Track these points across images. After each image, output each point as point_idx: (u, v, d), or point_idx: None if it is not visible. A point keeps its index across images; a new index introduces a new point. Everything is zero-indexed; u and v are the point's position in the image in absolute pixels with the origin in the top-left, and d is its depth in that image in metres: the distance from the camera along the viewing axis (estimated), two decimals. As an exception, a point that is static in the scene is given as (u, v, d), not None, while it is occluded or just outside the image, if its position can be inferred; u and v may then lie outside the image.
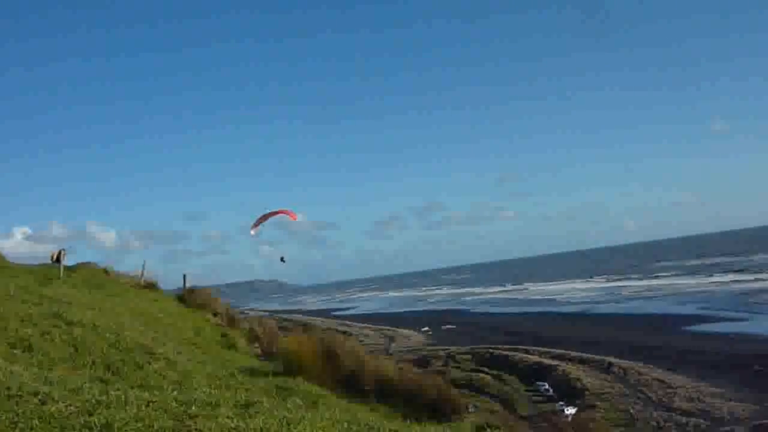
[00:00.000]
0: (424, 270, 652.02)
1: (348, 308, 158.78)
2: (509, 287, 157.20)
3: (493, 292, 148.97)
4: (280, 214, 22.75)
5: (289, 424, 6.09)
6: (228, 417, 6.20)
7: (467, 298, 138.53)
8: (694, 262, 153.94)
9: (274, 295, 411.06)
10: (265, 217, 22.74)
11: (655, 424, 32.59)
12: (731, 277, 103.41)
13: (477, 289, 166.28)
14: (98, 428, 5.48)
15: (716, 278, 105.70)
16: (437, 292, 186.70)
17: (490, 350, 54.76)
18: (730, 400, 34.37)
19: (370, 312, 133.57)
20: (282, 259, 26.32)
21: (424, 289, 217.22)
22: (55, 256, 26.31)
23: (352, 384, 15.08)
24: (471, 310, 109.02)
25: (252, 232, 23.26)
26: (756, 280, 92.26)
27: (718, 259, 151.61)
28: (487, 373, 46.66)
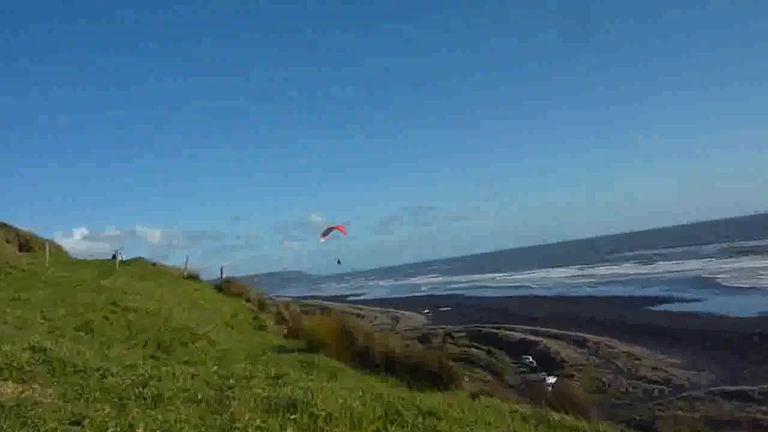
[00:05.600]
0: (419, 261, 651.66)
1: (360, 294, 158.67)
2: (494, 275, 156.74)
3: (481, 279, 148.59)
4: (337, 230, 23.66)
5: (313, 393, 6.10)
6: (261, 387, 6.26)
7: (459, 284, 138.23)
8: (652, 252, 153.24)
9: (298, 283, 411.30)
10: (330, 230, 23.70)
11: (624, 390, 32.41)
12: (686, 265, 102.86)
13: (466, 277, 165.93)
14: (151, 398, 5.53)
15: (673, 266, 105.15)
16: (433, 279, 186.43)
17: (481, 328, 54.58)
18: (687, 369, 34.16)
19: (379, 297, 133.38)
20: (338, 262, 26.31)
21: (421, 277, 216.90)
22: (117, 255, 27.86)
23: (364, 359, 15.00)
24: (464, 294, 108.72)
25: (322, 240, 24.13)
26: (701, 268, 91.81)
27: (673, 249, 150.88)
28: (479, 348, 46.52)
